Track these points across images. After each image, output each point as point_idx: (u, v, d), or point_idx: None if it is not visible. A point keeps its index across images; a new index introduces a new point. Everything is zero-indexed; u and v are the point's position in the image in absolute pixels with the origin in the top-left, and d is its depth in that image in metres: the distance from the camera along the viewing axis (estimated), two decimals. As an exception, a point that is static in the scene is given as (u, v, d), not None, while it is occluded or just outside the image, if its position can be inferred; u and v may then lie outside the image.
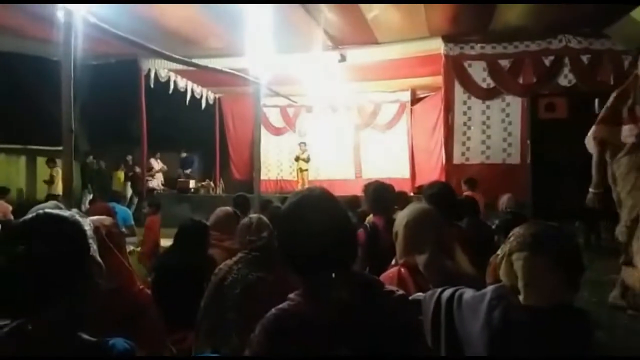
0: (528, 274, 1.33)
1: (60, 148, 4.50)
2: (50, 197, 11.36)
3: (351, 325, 1.20)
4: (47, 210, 1.22)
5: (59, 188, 12.09)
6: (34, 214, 1.18)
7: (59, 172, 12.26)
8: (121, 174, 13.08)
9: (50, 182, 12.51)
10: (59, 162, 12.53)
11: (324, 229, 1.27)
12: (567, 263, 1.36)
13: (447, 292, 1.56)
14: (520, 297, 1.36)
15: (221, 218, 4.07)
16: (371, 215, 3.71)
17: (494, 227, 3.10)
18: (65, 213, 1.22)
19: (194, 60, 8.45)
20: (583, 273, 1.40)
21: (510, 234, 1.45)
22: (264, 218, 3.02)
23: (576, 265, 1.37)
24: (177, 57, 7.33)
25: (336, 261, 1.27)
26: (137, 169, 12.59)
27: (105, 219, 2.19)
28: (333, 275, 1.24)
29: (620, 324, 3.97)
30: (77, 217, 1.22)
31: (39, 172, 15.17)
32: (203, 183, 13.44)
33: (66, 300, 1.12)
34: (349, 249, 1.33)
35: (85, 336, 1.17)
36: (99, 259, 1.20)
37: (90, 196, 12.39)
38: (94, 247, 1.20)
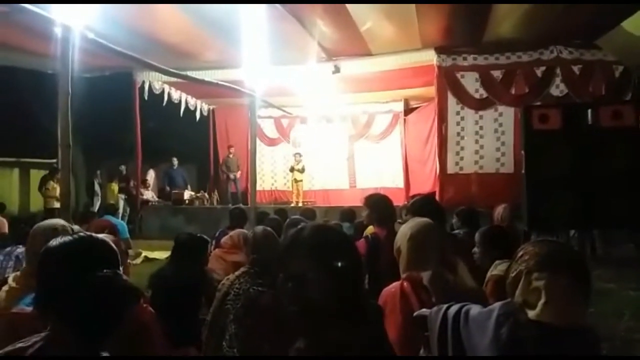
0: (550, 293, 1.35)
1: (54, 160, 4.48)
2: (49, 210, 11.19)
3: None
4: (99, 235, 1.30)
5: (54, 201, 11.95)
6: (90, 236, 1.26)
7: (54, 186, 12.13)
8: (115, 186, 12.98)
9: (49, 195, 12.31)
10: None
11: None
12: (585, 282, 1.39)
13: (454, 309, 1.57)
14: (532, 313, 1.37)
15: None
16: (371, 227, 3.71)
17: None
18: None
19: (190, 73, 8.46)
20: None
21: (522, 252, 1.47)
22: (269, 230, 3.00)
23: (590, 284, 1.40)
24: (173, 70, 7.34)
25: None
26: (132, 182, 12.49)
27: (107, 237, 2.19)
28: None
29: (618, 335, 4.00)
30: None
31: (32, 184, 15.05)
32: (197, 194, 13.40)
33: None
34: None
35: (105, 354, 1.22)
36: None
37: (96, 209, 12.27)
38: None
